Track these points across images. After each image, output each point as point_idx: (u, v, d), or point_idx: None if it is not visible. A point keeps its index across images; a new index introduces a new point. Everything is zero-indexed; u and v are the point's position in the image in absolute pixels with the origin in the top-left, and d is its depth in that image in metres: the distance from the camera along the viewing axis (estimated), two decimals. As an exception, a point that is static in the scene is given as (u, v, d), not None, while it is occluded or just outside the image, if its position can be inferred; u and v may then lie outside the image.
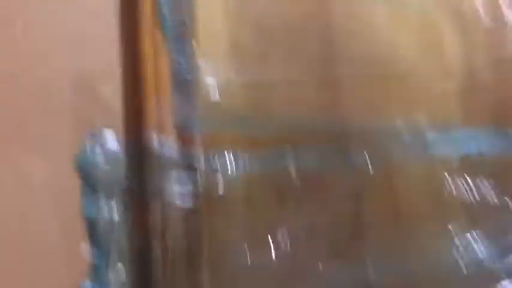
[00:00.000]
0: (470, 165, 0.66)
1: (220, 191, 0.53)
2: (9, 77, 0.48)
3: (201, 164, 0.52)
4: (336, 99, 0.64)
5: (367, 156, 0.62)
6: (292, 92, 0.62)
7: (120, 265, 0.48)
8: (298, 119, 0.61)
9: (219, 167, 0.53)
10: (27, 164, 0.48)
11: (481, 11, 0.69)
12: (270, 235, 0.55)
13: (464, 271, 0.62)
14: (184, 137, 0.51)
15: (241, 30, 0.58)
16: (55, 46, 0.50)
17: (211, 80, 0.55)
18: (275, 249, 0.54)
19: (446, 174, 0.64)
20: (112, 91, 0.50)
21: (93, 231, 0.48)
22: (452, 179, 0.64)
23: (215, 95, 0.55)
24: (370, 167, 0.61)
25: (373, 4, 0.66)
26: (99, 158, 0.49)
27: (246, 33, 0.58)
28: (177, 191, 0.50)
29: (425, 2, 0.69)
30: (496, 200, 0.65)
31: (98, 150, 0.48)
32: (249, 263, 0.53)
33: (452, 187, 0.64)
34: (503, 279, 0.63)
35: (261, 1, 0.60)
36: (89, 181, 0.48)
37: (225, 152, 0.54)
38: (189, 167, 0.51)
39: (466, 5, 0.70)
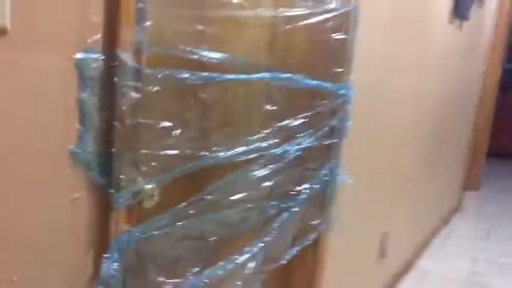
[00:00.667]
0: (269, 95, 1.12)
1: (154, 88, 0.82)
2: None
3: (144, 71, 0.79)
4: (201, 34, 0.97)
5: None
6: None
7: (96, 135, 0.74)
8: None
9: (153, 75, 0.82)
10: (38, 58, 0.65)
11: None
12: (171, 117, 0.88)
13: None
14: (137, 55, 0.77)
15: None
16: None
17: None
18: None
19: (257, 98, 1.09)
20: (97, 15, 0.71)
21: (82, 113, 0.71)
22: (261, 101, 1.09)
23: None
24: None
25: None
26: (91, 63, 0.70)
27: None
28: (130, 87, 0.77)
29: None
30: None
31: (90, 57, 0.70)
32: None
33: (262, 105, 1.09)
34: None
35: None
36: (83, 78, 0.70)
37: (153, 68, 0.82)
38: (138, 73, 0.78)
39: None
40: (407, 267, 2.79)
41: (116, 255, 0.81)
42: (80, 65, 0.69)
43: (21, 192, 0.66)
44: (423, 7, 2.17)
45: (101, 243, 0.79)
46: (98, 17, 0.71)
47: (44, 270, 0.72)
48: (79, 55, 0.69)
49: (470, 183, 4.76)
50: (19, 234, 0.67)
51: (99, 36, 0.72)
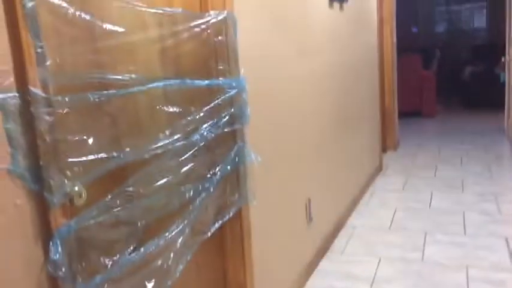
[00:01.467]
0: (168, 98, 1.38)
1: (64, 111, 1.06)
2: None
3: (53, 99, 1.03)
4: (102, 62, 1.22)
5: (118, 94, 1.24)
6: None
7: (25, 153, 0.97)
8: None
9: (60, 101, 1.06)
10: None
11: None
12: (84, 130, 1.12)
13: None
14: (45, 87, 1.01)
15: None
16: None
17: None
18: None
19: (157, 103, 1.35)
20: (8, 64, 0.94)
21: (10, 139, 0.94)
22: (162, 105, 1.35)
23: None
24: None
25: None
26: (10, 100, 0.94)
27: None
28: (43, 113, 1.01)
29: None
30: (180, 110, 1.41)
31: (8, 95, 0.93)
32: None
33: (163, 108, 1.35)
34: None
35: None
36: (5, 112, 0.93)
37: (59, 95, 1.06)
38: (48, 101, 1.02)
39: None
40: (338, 226, 3.15)
41: (58, 243, 1.04)
42: (1, 103, 0.92)
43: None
44: None
45: (46, 236, 1.03)
46: (7, 65, 0.94)
47: (5, 259, 0.94)
48: (-1, 96, 0.92)
49: (389, 144, 5.26)
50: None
51: (12, 79, 0.95)
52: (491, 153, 4.93)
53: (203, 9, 1.69)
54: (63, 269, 1.03)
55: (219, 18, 1.70)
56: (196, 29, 1.62)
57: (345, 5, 3.26)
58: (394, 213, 3.45)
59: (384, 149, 5.04)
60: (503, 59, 5.72)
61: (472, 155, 4.88)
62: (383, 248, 2.90)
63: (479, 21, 9.95)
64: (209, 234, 1.65)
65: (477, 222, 3.18)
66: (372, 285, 2.47)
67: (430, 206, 3.57)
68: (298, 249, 2.52)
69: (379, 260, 2.73)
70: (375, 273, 2.58)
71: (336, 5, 3.09)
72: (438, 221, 3.25)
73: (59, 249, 1.04)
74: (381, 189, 4.03)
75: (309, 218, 2.63)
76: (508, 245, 2.80)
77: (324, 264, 2.74)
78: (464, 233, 3.03)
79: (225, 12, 1.71)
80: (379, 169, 4.49)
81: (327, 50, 2.93)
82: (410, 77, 6.76)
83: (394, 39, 5.19)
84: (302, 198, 2.56)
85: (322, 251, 2.80)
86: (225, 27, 1.73)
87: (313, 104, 2.72)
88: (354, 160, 3.64)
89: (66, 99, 1.09)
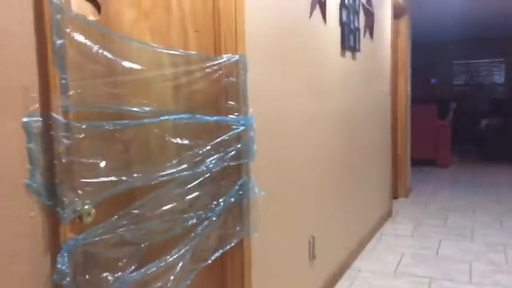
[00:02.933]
0: (177, 131, 1.50)
1: (81, 135, 1.17)
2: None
3: (72, 125, 1.15)
4: (119, 95, 1.34)
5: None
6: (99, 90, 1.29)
7: (42, 171, 1.08)
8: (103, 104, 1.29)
9: (78, 127, 1.17)
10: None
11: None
12: (97, 153, 1.23)
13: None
14: (65, 114, 1.13)
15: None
16: None
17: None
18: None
19: (167, 135, 1.46)
20: (35, 92, 1.07)
21: (31, 157, 1.06)
22: (171, 136, 1.47)
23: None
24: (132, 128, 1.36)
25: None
26: (33, 123, 1.06)
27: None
28: (62, 136, 1.12)
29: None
30: (191, 143, 1.52)
31: (32, 119, 1.06)
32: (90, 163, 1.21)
33: (171, 140, 1.46)
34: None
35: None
36: (29, 133, 1.05)
37: (78, 122, 1.18)
38: (67, 126, 1.13)
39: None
40: (342, 268, 3.16)
41: (66, 256, 1.13)
42: (25, 126, 1.05)
43: (-6, 215, 0.99)
44: (312, 43, 2.64)
45: (55, 248, 1.12)
46: (35, 92, 1.07)
47: (15, 267, 1.04)
48: (25, 119, 1.05)
49: (400, 191, 5.27)
50: (-5, 243, 0.99)
51: (37, 105, 1.08)
52: (504, 205, 4.89)
53: (217, 53, 1.83)
54: (68, 279, 1.12)
55: (232, 60, 1.84)
56: (209, 70, 1.76)
57: (357, 54, 3.40)
58: (401, 259, 3.44)
59: (395, 196, 5.05)
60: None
61: (484, 206, 4.84)
62: (386, 292, 2.90)
63: (498, 76, 10.04)
64: (210, 261, 1.72)
65: (484, 272, 3.15)
66: (371, 327, 2.46)
67: (437, 253, 3.55)
68: (300, 285, 2.55)
69: (381, 304, 2.72)
70: (376, 316, 2.57)
71: (348, 54, 3.23)
72: (445, 268, 3.23)
73: (66, 260, 1.13)
74: (389, 235, 4.03)
75: (312, 256, 2.67)
76: (512, 296, 2.76)
77: (325, 304, 2.74)
78: (470, 281, 3.01)
79: (237, 56, 1.85)
80: (388, 215, 4.49)
81: (336, 95, 3.05)
82: (426, 127, 6.81)
83: (409, 88, 5.30)
84: (305, 235, 2.61)
85: (324, 291, 2.82)
86: (237, 68, 1.86)
87: (320, 147, 2.81)
88: (361, 204, 3.68)
89: (84, 126, 1.21)
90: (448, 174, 6.74)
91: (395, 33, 4.94)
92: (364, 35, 3.56)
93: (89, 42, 1.24)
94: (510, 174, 6.17)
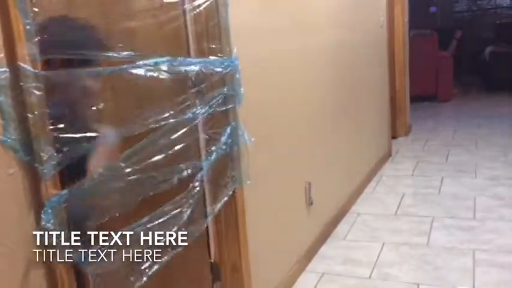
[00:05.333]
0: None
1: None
2: None
3: (40, 74, 1.15)
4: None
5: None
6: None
7: (15, 125, 1.10)
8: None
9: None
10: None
11: None
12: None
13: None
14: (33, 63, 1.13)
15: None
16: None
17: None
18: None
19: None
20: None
21: (2, 111, 1.07)
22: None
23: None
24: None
25: None
26: (0, 75, 1.06)
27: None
28: (33, 87, 1.13)
29: None
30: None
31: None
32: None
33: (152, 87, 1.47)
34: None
35: None
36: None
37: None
38: (37, 76, 1.14)
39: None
40: (341, 213, 3.26)
41: (50, 212, 1.17)
42: (-8, 77, 1.05)
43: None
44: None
45: (38, 204, 1.16)
46: (-2, 41, 1.07)
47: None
48: (-11, 70, 1.05)
49: (399, 129, 5.34)
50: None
51: (2, 55, 1.07)
52: (509, 137, 4.99)
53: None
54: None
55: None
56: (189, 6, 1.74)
57: (347, -17, 3.35)
58: (401, 200, 3.55)
59: (394, 135, 5.13)
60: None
61: (488, 139, 4.94)
62: (387, 233, 3.01)
63: (503, -2, 9.91)
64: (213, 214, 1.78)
65: (488, 207, 3.27)
66: (373, 269, 2.58)
67: (439, 191, 3.66)
68: (298, 233, 2.64)
69: (382, 245, 2.84)
70: (377, 258, 2.69)
71: (338, -18, 3.18)
72: (447, 206, 3.35)
73: (50, 217, 1.16)
74: (388, 176, 4.13)
75: (309, 202, 2.74)
76: (517, 229, 2.90)
77: (324, 249, 2.85)
78: (474, 217, 3.13)
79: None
80: (387, 155, 4.58)
81: (325, 28, 3.02)
82: (426, 59, 6.80)
83: (406, 19, 5.25)
84: (300, 182, 2.67)
85: (323, 237, 2.92)
86: (216, 4, 1.83)
87: (311, 87, 2.82)
88: (358, 145, 3.74)
89: (55, 75, 1.21)
90: (449, 109, 6.81)
91: (389, -43, 4.83)
92: (354, -40, 3.49)
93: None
94: (516, 105, 6.27)
